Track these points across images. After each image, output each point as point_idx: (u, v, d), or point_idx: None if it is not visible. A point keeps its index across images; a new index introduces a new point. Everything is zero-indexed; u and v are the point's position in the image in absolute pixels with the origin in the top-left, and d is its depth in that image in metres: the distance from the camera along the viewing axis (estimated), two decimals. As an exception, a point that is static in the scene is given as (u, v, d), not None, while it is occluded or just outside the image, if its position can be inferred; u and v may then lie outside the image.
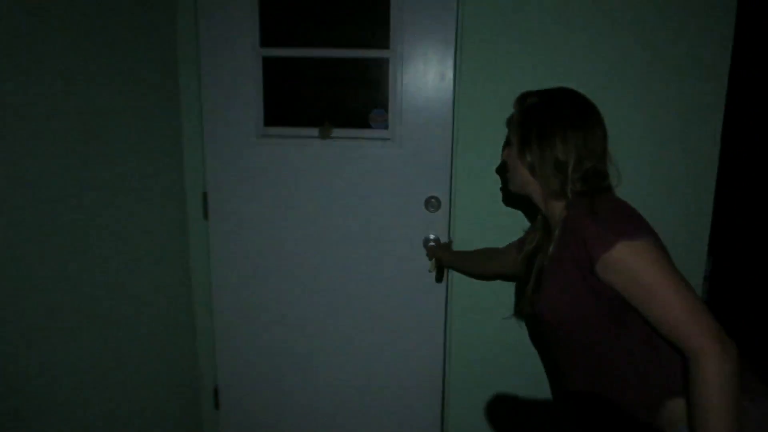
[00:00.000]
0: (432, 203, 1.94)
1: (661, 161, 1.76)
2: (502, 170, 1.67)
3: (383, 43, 1.88)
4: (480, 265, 1.82)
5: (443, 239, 1.96)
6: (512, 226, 1.81)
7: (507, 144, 1.42)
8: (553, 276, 1.25)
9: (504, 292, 1.88)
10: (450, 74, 1.85)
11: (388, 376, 2.10)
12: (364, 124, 1.96)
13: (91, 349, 1.58)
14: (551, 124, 1.25)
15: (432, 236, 1.95)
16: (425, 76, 1.87)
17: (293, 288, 2.08)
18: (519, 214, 1.83)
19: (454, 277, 1.93)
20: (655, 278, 1.07)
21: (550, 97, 1.31)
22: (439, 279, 1.98)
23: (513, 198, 1.80)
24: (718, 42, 1.68)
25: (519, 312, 1.78)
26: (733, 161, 2.05)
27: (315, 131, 1.96)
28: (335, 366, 2.12)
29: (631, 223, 1.13)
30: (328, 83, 1.99)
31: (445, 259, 1.88)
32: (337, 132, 1.96)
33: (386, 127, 1.94)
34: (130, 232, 1.73)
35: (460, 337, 1.97)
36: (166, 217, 1.95)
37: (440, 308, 2.01)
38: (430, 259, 1.90)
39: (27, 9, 1.29)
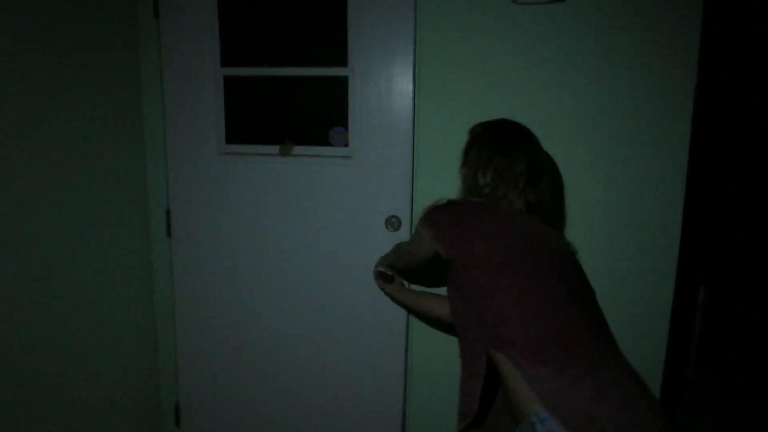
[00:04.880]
0: (392, 223, 1.91)
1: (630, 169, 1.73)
2: None
3: (342, 60, 1.87)
4: (426, 311, 1.76)
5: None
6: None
7: None
8: None
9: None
10: (410, 91, 1.83)
11: (351, 391, 2.07)
12: (325, 141, 1.95)
13: (51, 364, 1.58)
14: (478, 150, 1.41)
15: (380, 268, 1.82)
16: (384, 93, 1.85)
17: (255, 305, 2.06)
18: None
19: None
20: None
21: (486, 127, 1.46)
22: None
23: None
24: (685, 47, 1.65)
25: None
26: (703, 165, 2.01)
27: (276, 148, 1.96)
28: (298, 382, 2.09)
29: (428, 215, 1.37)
30: (290, 101, 1.99)
31: (394, 295, 1.84)
32: (297, 149, 1.95)
33: (346, 145, 1.93)
34: (93, 250, 1.75)
35: (421, 350, 1.95)
36: (130, 235, 1.95)
37: (401, 321, 1.97)
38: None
39: None
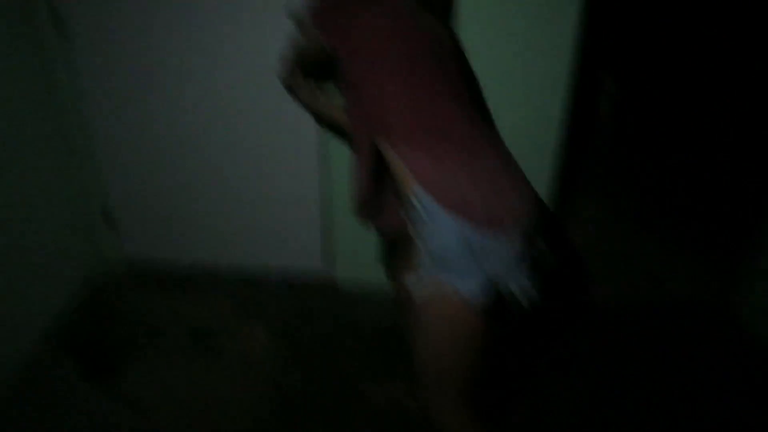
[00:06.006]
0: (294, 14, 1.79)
1: None
2: None
3: None
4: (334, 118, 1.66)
5: None
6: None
7: None
8: None
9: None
10: None
11: (271, 188, 2.16)
12: None
13: None
14: None
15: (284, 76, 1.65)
16: None
17: (172, 90, 2.01)
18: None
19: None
20: None
21: None
22: None
23: None
24: None
25: None
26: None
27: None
28: (222, 177, 2.16)
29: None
30: None
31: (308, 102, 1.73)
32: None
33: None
34: None
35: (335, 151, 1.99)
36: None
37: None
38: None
39: None
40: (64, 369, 1.86)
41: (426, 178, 1.10)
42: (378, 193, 1.36)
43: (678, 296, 2.35)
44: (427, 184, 1.10)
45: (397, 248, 1.60)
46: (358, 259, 2.24)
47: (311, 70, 1.60)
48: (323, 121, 1.90)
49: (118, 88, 2.02)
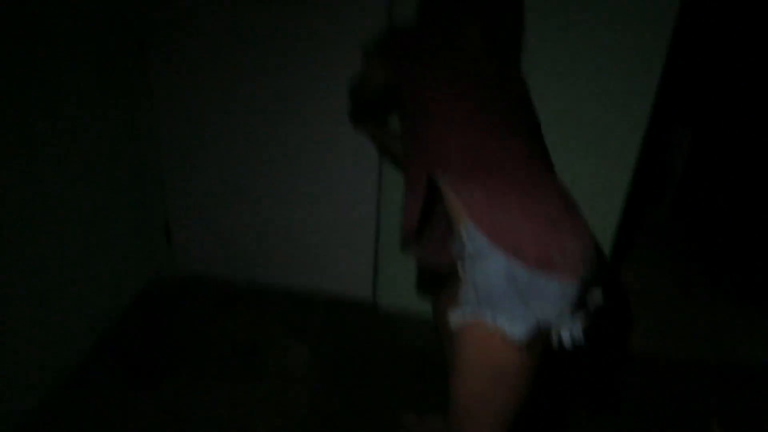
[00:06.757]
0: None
1: None
2: None
3: None
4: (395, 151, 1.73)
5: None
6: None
7: None
8: None
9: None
10: None
11: (327, 214, 2.20)
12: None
13: (44, 192, 1.70)
14: None
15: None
16: None
17: (236, 112, 2.10)
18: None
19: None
20: None
21: None
22: None
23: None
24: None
25: None
26: None
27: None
28: (280, 201, 2.22)
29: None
30: None
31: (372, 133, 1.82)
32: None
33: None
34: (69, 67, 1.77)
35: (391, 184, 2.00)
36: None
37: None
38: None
39: None
40: (113, 377, 1.93)
41: (480, 215, 1.09)
42: (427, 226, 1.36)
43: (747, 359, 2.22)
44: (481, 222, 1.09)
45: (443, 281, 1.59)
46: (403, 286, 2.24)
47: (376, 102, 1.65)
48: (386, 152, 1.93)
49: (187, 113, 2.13)
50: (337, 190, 2.13)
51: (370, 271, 2.26)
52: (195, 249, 2.39)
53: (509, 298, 1.05)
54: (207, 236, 2.35)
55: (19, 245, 1.64)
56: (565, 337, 1.09)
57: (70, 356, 1.94)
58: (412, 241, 1.35)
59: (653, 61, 1.65)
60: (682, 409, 1.90)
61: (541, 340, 1.09)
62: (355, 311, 2.31)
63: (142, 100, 2.12)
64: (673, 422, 1.85)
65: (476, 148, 1.14)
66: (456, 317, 1.15)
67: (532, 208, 1.09)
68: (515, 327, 1.05)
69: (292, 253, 2.32)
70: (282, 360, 2.04)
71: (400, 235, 1.36)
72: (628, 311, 2.40)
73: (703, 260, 2.88)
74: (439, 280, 1.62)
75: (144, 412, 1.80)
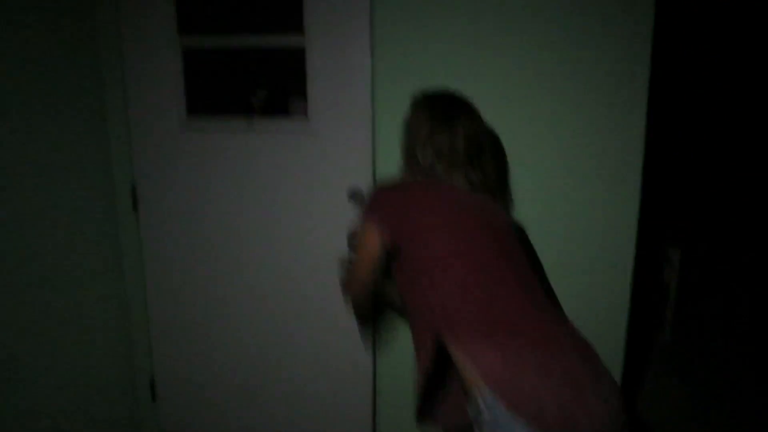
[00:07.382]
0: (356, 195, 1.87)
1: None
2: None
3: (299, 28, 1.81)
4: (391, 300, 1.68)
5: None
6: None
7: None
8: None
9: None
10: (367, 62, 1.78)
11: (319, 368, 2.07)
12: (285, 111, 1.91)
13: (22, 344, 1.61)
14: (417, 123, 1.34)
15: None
16: (340, 64, 1.80)
17: (222, 278, 2.05)
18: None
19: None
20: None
21: (426, 98, 1.38)
22: None
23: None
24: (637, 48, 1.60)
25: None
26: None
27: (237, 120, 1.92)
28: (268, 357, 2.09)
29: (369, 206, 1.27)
30: (250, 70, 1.95)
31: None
32: (258, 122, 1.92)
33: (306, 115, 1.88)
34: (60, 226, 1.76)
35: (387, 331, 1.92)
36: (96, 210, 1.95)
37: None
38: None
39: None
40: None
41: (496, 381, 1.02)
42: (439, 392, 1.27)
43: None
44: (498, 389, 1.01)
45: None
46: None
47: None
48: (389, 306, 1.86)
49: (176, 265, 2.08)
50: (332, 345, 2.03)
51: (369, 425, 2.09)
52: (180, 407, 2.22)
53: None
54: (193, 394, 2.19)
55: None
56: None
57: None
58: (422, 409, 1.25)
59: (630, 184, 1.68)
60: None
61: None
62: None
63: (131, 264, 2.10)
64: None
65: (484, 300, 1.10)
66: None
67: (550, 365, 1.03)
68: None
69: (281, 412, 2.15)
70: None
71: (415, 405, 1.26)
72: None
73: (716, 382, 2.76)
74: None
75: None
